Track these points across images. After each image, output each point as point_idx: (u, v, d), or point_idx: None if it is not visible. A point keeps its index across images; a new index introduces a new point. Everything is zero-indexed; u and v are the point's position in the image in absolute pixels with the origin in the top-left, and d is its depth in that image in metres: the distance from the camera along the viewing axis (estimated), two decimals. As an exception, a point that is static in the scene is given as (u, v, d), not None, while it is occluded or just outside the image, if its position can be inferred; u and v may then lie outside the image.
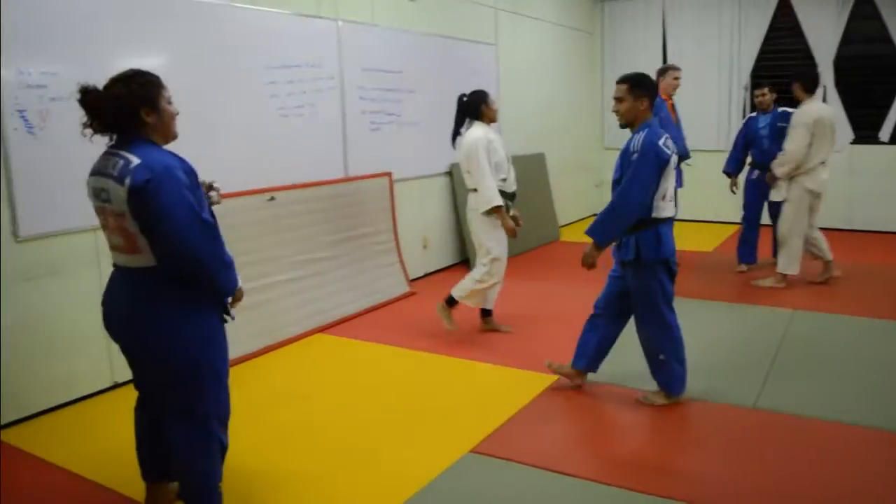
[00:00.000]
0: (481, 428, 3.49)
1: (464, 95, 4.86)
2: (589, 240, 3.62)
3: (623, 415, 3.65)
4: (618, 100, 3.64)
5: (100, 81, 2.51)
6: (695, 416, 3.59)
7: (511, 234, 4.73)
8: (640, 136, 3.53)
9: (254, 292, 4.66)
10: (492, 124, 4.83)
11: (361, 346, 4.85)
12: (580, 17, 9.78)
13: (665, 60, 9.31)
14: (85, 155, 3.84)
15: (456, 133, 4.88)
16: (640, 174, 3.46)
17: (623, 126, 3.70)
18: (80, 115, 3.73)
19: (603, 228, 3.58)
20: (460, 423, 3.59)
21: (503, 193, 4.68)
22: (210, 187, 2.74)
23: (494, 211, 4.64)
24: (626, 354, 4.05)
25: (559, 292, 6.10)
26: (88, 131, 2.49)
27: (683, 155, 6.59)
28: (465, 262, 7.12)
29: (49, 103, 3.75)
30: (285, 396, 4.00)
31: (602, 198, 10.44)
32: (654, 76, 6.64)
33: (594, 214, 10.30)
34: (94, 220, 3.89)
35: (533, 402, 3.81)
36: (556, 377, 4.05)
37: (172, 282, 2.47)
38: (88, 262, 4.02)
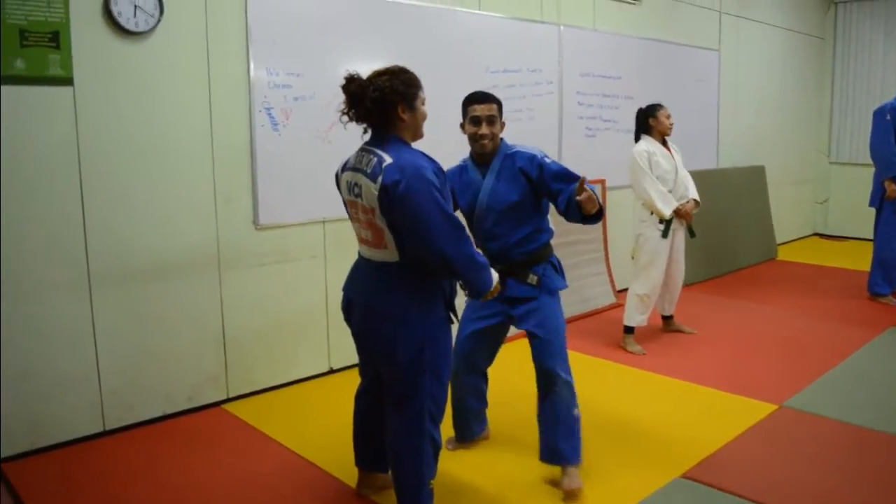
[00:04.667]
0: (693, 452, 3.33)
1: (641, 109, 4.89)
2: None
3: (844, 453, 3.33)
4: (491, 120, 3.06)
5: (335, 83, 2.60)
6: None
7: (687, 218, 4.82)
8: (525, 149, 3.10)
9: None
10: (665, 137, 4.84)
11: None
12: (810, 21, 9.15)
13: (907, 68, 8.50)
14: (319, 154, 4.12)
15: None
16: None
17: (486, 153, 3.09)
18: (318, 115, 3.95)
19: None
20: (671, 444, 3.45)
21: None
22: None
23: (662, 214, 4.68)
24: (851, 391, 3.72)
25: (775, 316, 5.69)
26: (345, 118, 2.55)
27: None
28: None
29: (292, 102, 4.01)
30: (492, 398, 4.03)
31: (826, 215, 9.74)
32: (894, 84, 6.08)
33: (816, 233, 9.69)
34: (324, 214, 4.19)
35: (749, 430, 3.58)
36: (774, 405, 3.81)
37: (411, 278, 2.54)
38: (316, 252, 4.26)
